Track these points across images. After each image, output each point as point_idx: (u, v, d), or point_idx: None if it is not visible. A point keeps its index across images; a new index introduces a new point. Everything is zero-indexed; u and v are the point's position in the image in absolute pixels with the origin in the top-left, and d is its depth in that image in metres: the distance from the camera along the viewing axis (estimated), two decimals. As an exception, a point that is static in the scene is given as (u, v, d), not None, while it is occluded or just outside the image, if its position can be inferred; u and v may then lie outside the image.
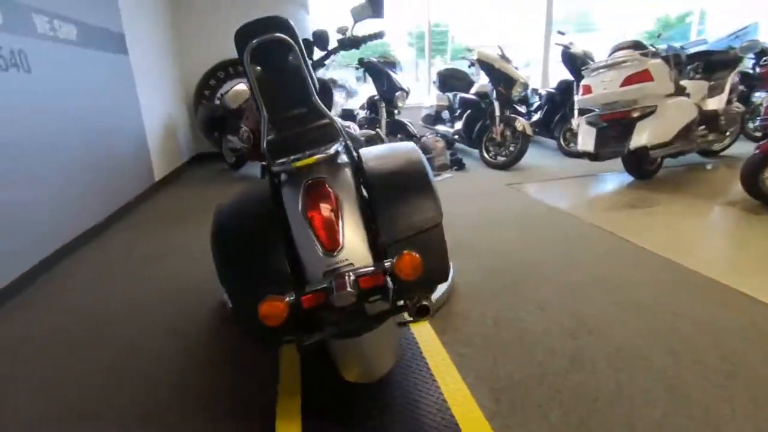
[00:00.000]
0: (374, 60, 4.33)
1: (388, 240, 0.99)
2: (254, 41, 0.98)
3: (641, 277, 1.99)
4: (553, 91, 5.05)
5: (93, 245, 2.78)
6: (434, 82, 5.84)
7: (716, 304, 1.73)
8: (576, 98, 3.88)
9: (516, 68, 4.45)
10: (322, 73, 2.38)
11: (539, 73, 6.92)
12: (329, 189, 1.03)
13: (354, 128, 2.11)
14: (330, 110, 1.67)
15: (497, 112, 4.36)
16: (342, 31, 2.10)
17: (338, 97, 2.09)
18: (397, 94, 4.27)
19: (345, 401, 1.22)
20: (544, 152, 5.28)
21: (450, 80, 5.55)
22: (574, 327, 1.62)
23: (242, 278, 0.99)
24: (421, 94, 6.66)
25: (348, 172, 1.13)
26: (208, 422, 1.23)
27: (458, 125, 5.02)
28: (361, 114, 4.72)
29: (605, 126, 3.41)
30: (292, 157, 1.01)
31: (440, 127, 5.44)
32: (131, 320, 1.83)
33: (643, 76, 3.12)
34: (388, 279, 0.93)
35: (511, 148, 4.40)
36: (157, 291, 2.09)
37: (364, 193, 1.17)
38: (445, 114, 5.52)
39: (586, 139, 3.53)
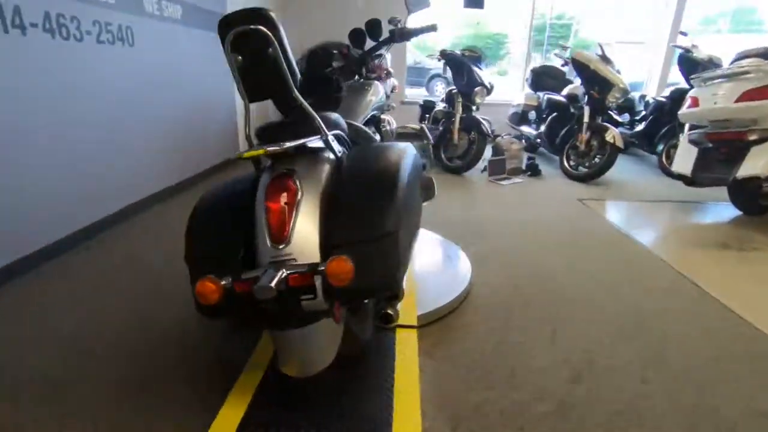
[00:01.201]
0: (457, 53, 4.17)
1: (333, 242, 0.96)
2: (233, 31, 1.00)
3: (696, 335, 1.66)
4: (663, 99, 4.40)
5: (177, 199, 3.16)
6: (527, 80, 5.46)
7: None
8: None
9: (617, 71, 3.96)
10: (379, 62, 2.37)
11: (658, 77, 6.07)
12: (293, 182, 1.02)
13: (389, 121, 2.07)
14: (338, 105, 1.66)
15: (586, 118, 3.93)
16: (394, 22, 2.06)
17: (382, 87, 2.06)
18: (476, 89, 4.07)
19: (297, 394, 1.24)
20: (641, 168, 4.66)
21: (543, 78, 5.13)
22: (581, 371, 1.43)
23: (197, 255, 1.04)
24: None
25: (326, 168, 1.12)
26: (179, 378, 1.34)
27: (542, 128, 4.65)
28: (440, 106, 4.61)
29: (710, 147, 2.88)
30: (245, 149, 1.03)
31: (525, 128, 5.09)
32: (169, 277, 2.05)
33: (769, 91, 2.55)
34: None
35: (596, 160, 3.95)
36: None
37: None
38: (533, 115, 5.14)
39: (684, 159, 3.02)
